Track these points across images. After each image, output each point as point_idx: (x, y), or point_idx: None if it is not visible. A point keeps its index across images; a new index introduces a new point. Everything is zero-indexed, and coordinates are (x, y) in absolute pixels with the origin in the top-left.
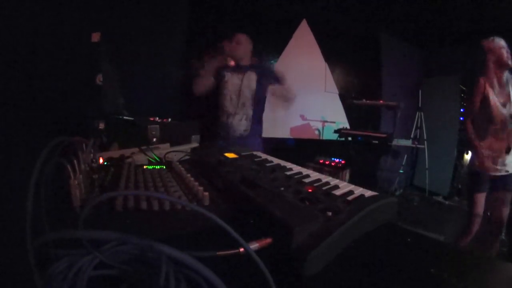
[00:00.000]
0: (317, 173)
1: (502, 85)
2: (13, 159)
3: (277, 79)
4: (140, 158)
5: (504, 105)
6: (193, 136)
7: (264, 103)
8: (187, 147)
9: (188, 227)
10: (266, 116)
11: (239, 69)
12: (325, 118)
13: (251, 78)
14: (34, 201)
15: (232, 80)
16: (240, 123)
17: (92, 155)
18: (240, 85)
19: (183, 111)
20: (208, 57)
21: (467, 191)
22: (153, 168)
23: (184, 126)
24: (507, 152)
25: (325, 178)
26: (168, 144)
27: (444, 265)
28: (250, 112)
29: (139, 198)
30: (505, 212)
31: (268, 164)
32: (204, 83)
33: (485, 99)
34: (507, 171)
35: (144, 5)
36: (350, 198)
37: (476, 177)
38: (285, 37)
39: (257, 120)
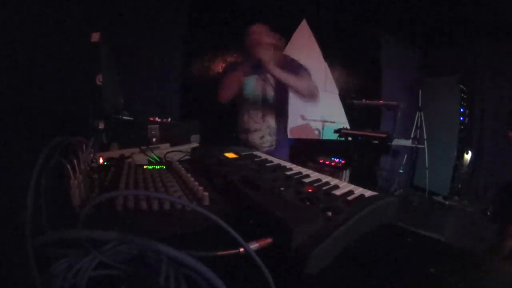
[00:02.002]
0: (317, 173)
1: None
2: (13, 159)
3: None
4: (140, 158)
5: None
6: (193, 136)
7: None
8: (187, 147)
9: (188, 227)
10: None
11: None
12: (325, 118)
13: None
14: (34, 201)
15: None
16: (263, 140)
17: (92, 155)
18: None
19: (184, 111)
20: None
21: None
22: (153, 168)
23: (184, 126)
24: None
25: (325, 178)
26: (168, 144)
27: (444, 265)
28: (273, 125)
29: (139, 198)
30: None
31: (268, 164)
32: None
33: None
34: None
35: (144, 5)
36: (350, 198)
37: None
38: (285, 37)
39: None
